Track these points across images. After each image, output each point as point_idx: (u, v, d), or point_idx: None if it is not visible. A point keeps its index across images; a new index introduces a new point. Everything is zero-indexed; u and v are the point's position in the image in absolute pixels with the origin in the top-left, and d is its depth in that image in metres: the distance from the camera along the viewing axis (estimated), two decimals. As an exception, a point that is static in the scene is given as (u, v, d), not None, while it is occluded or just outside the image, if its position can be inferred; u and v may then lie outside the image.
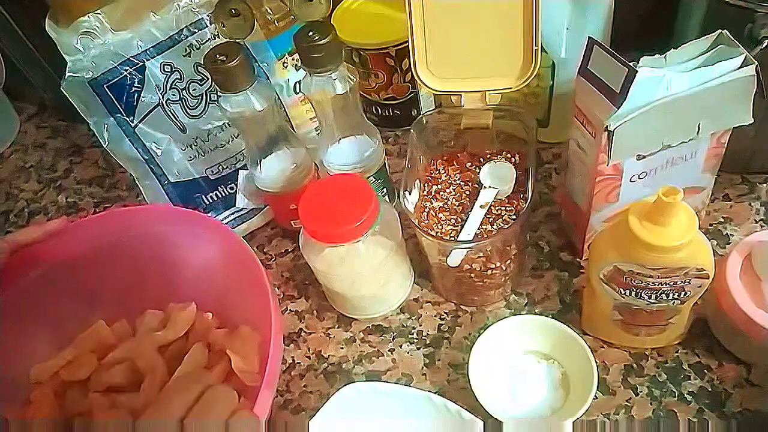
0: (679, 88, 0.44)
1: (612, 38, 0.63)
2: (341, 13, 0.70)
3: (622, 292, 0.46)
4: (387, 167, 0.62)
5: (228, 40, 0.53)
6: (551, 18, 0.57)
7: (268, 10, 0.62)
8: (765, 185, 0.61)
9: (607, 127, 0.43)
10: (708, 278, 0.43)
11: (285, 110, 0.65)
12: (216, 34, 0.58)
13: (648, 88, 0.43)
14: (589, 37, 0.43)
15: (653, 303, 0.45)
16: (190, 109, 0.61)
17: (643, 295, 0.45)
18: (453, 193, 0.58)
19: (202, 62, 0.55)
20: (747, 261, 0.47)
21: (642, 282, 0.44)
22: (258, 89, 0.53)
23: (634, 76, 0.40)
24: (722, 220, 0.59)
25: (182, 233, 0.56)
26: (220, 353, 0.53)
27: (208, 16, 0.58)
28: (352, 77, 0.53)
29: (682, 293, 0.44)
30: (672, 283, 0.43)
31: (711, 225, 0.59)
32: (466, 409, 0.46)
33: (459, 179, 0.59)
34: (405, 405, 0.48)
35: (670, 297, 0.45)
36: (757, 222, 0.58)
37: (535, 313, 0.56)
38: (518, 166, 0.57)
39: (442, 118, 0.59)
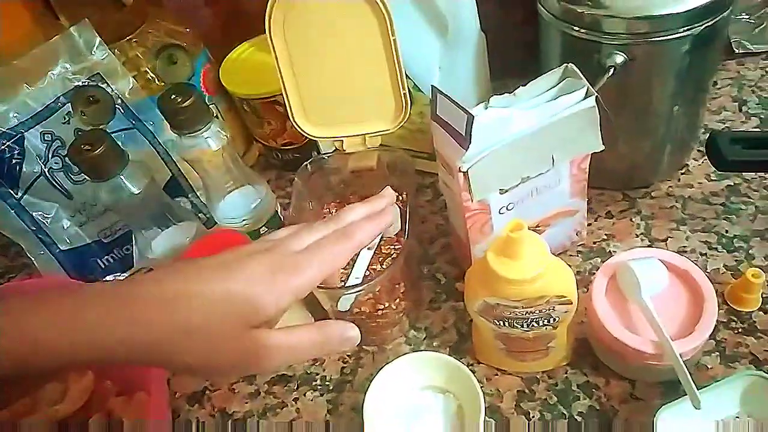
0: (527, 125, 0.46)
1: (492, 68, 0.66)
2: (229, 65, 0.71)
3: (497, 322, 0.47)
4: (280, 214, 0.63)
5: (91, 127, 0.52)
6: (422, 58, 0.59)
7: (147, 70, 0.62)
8: (644, 199, 0.63)
9: (460, 168, 0.45)
10: (571, 303, 0.45)
11: (177, 165, 0.65)
12: (93, 95, 0.58)
13: (496, 128, 0.45)
14: (432, 86, 0.44)
15: (527, 330, 0.47)
16: (74, 175, 0.60)
17: (515, 324, 0.46)
18: (344, 235, 0.59)
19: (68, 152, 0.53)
20: (612, 281, 0.49)
21: (510, 313, 0.45)
22: (132, 172, 0.52)
23: (473, 120, 0.41)
24: (605, 237, 0.61)
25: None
26: (120, 423, 0.52)
27: (84, 81, 0.58)
28: (224, 133, 0.53)
29: (551, 319, 0.45)
30: (538, 312, 0.45)
31: (594, 243, 0.61)
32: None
33: (350, 221, 0.60)
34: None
35: (541, 323, 0.46)
36: (638, 236, 0.61)
37: (434, 347, 0.57)
38: (407, 203, 0.59)
39: (329, 161, 0.61)
